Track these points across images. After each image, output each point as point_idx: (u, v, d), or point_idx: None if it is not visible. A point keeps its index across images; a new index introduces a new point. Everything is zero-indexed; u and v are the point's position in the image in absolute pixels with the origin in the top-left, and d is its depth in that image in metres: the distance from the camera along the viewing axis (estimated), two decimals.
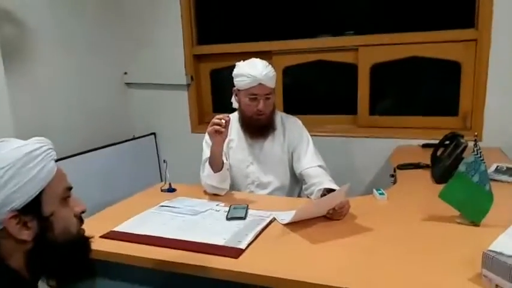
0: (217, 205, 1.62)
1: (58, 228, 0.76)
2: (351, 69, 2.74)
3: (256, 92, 1.73)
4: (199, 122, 3.26)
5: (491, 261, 0.98)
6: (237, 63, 1.80)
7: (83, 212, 0.86)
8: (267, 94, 1.75)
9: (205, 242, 1.28)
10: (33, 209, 0.74)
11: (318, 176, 1.71)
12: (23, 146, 0.75)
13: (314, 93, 3.06)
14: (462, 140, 1.82)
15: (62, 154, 2.43)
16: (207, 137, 1.85)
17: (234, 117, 1.88)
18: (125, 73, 3.26)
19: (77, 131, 2.77)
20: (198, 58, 3.18)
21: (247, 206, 1.55)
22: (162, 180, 1.91)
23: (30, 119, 2.39)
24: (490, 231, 1.24)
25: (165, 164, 1.90)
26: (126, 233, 1.38)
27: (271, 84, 1.76)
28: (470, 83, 2.49)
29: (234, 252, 1.20)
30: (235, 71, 1.77)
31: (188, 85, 3.16)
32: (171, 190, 1.83)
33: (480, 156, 1.33)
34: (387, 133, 2.66)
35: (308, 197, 1.78)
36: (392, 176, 2.20)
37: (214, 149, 1.67)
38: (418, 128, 2.64)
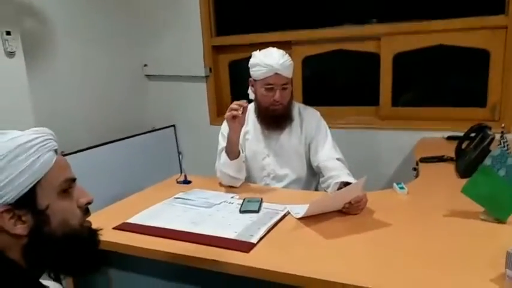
0: (232, 197, 1.60)
1: (55, 221, 0.74)
2: (373, 59, 2.65)
3: (273, 82, 1.69)
4: (218, 114, 3.24)
5: None
6: (253, 53, 1.76)
7: (88, 203, 0.84)
8: (284, 84, 1.71)
9: (216, 235, 1.26)
10: (27, 202, 0.71)
11: (335, 169, 1.66)
12: (18, 137, 0.73)
13: (334, 84, 2.99)
14: (489, 132, 1.73)
15: (83, 145, 2.47)
16: (223, 128, 1.83)
17: (251, 108, 1.85)
18: (145, 65, 3.28)
19: (98, 124, 2.81)
20: (217, 49, 3.15)
21: (261, 199, 1.52)
22: (181, 172, 1.90)
23: (52, 112, 2.43)
24: None
25: (180, 155, 1.89)
26: (139, 224, 1.37)
27: (287, 74, 1.71)
28: (499, 72, 2.37)
29: (246, 246, 1.18)
30: (251, 61, 1.74)
31: (207, 77, 3.15)
32: (186, 182, 1.83)
33: (507, 149, 1.25)
34: (410, 125, 2.57)
35: (325, 191, 1.73)
36: (415, 169, 2.13)
37: (232, 135, 1.64)
38: (443, 120, 2.53)
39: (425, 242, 1.20)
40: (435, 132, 2.45)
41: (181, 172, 1.89)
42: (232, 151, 1.67)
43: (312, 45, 2.83)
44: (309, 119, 1.82)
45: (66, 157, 0.83)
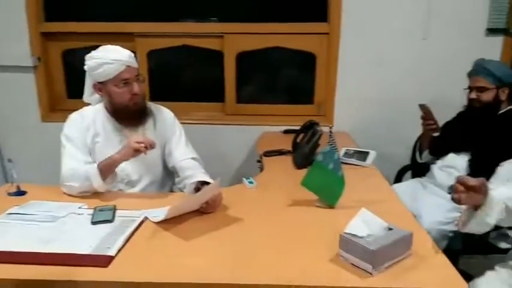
0: (79, 208, 1.47)
1: None
2: (218, 56, 2.76)
3: (127, 76, 1.61)
4: (51, 109, 2.91)
5: (346, 242, 1.12)
6: (89, 56, 1.64)
7: None
8: (137, 75, 1.66)
9: (69, 252, 1.15)
10: None
11: (190, 169, 1.69)
12: None
13: (181, 80, 3.00)
14: (318, 128, 2.01)
15: None
16: (67, 130, 1.67)
17: (95, 111, 1.73)
18: None
19: None
20: (47, 37, 2.80)
21: (115, 206, 1.45)
22: (7, 182, 1.65)
23: None
24: (344, 212, 1.41)
25: (10, 163, 1.64)
26: None
27: (136, 64, 1.67)
28: (323, 74, 2.75)
29: (103, 261, 1.11)
30: (91, 64, 1.61)
31: (35, 67, 2.77)
32: (20, 193, 1.60)
33: (334, 146, 1.48)
34: (253, 120, 2.78)
35: (181, 191, 1.75)
36: (259, 161, 2.32)
37: (120, 160, 1.57)
38: (280, 116, 2.82)
39: (274, 230, 1.34)
40: (275, 126, 2.71)
41: (11, 182, 1.64)
42: (110, 172, 1.59)
43: (156, 39, 2.77)
44: (163, 120, 1.80)
45: None
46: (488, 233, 1.40)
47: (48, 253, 1.15)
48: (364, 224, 1.14)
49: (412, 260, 1.14)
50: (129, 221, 1.36)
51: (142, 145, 1.53)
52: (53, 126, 2.85)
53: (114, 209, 1.43)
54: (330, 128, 1.50)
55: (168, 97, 2.72)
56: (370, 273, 1.07)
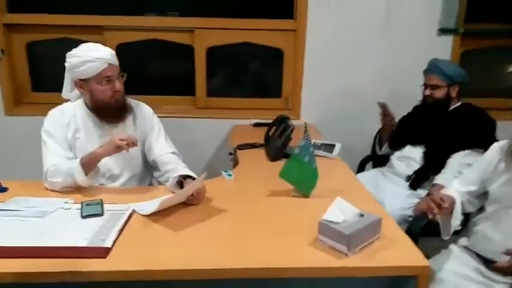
0: (65, 203, 1.51)
1: None
2: (189, 51, 2.81)
3: (110, 74, 1.65)
4: (16, 102, 2.85)
5: (325, 228, 1.25)
6: (71, 53, 1.66)
7: None
8: (119, 73, 1.71)
9: (66, 245, 1.20)
10: None
11: (171, 163, 1.76)
12: None
13: (152, 74, 3.02)
14: (290, 123, 2.14)
15: None
16: (48, 125, 1.69)
17: (75, 107, 1.75)
18: None
19: None
20: (10, 28, 2.72)
21: (102, 200, 1.50)
22: None
23: None
24: (318, 201, 1.57)
25: None
26: None
27: (117, 62, 1.71)
28: (290, 69, 2.88)
29: (101, 252, 1.18)
30: (73, 62, 1.63)
31: None
32: (1, 190, 1.60)
33: (309, 140, 1.61)
34: (224, 114, 2.87)
35: (160, 184, 1.82)
36: (231, 154, 2.42)
37: (103, 155, 1.61)
38: (250, 109, 2.92)
39: (256, 219, 1.46)
40: (244, 120, 2.81)
41: None
42: (92, 167, 1.62)
43: (125, 32, 2.77)
44: (142, 115, 1.84)
45: None
46: None
47: (45, 247, 1.20)
48: (340, 211, 1.27)
49: (381, 242, 1.29)
50: (118, 214, 1.42)
51: (125, 143, 1.58)
52: (17, 120, 2.80)
53: (101, 203, 1.48)
54: (305, 123, 1.63)
55: (138, 91, 2.73)
56: (346, 255, 1.21)
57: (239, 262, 1.19)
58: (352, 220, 1.27)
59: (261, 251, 1.25)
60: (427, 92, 2.18)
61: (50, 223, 1.36)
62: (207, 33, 2.78)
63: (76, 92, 1.74)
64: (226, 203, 1.56)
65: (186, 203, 1.52)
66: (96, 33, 2.71)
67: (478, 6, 2.75)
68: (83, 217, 1.39)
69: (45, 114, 1.75)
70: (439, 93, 2.15)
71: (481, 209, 1.56)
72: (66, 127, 1.71)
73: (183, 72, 2.93)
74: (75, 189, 1.63)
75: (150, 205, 1.44)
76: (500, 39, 2.88)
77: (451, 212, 1.49)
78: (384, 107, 2.36)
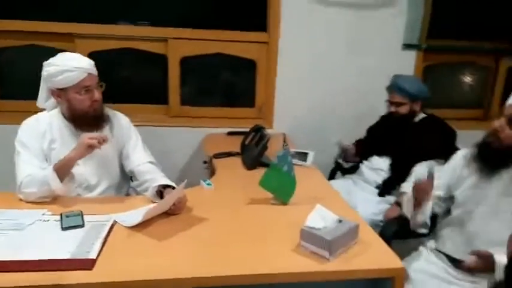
0: (43, 214, 1.48)
1: None
2: (162, 60, 2.81)
3: (89, 84, 1.65)
4: None
5: (307, 234, 1.31)
6: (47, 63, 1.64)
7: None
8: (98, 82, 1.70)
9: (49, 258, 1.19)
10: None
11: (149, 173, 1.76)
12: None
13: (124, 82, 3.00)
14: (265, 133, 2.19)
15: None
16: (22, 135, 1.66)
17: (51, 117, 1.73)
18: None
19: None
20: None
21: (81, 212, 1.48)
22: None
23: None
24: (296, 208, 1.64)
25: None
26: None
27: (96, 72, 1.71)
28: (263, 79, 2.94)
29: (87, 264, 1.17)
30: (51, 71, 1.61)
31: None
32: None
33: (288, 150, 1.67)
34: (197, 122, 2.89)
35: (138, 194, 1.82)
36: (206, 162, 2.44)
37: (75, 158, 1.59)
38: (223, 118, 2.96)
39: (237, 226, 1.49)
40: (218, 128, 2.84)
41: None
42: (67, 172, 1.60)
43: (97, 41, 2.74)
44: (119, 125, 1.84)
45: None
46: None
47: (27, 260, 1.18)
48: (320, 218, 1.33)
49: (358, 246, 1.36)
50: (99, 225, 1.41)
51: (95, 140, 1.57)
52: None
53: (81, 214, 1.46)
54: (284, 134, 1.69)
55: (111, 99, 2.70)
56: (328, 259, 1.26)
57: (223, 270, 1.22)
58: (332, 226, 1.33)
59: (244, 258, 1.28)
60: (392, 109, 2.28)
61: (30, 236, 1.33)
62: (180, 44, 2.80)
63: (52, 101, 1.72)
64: (207, 211, 1.58)
65: (167, 213, 1.53)
66: (67, 41, 2.66)
67: (441, 23, 2.92)
68: (63, 229, 1.37)
69: (13, 123, 1.72)
70: (403, 109, 2.26)
71: (448, 213, 1.68)
72: (41, 137, 1.68)
73: (156, 80, 2.92)
74: (52, 199, 1.60)
75: (133, 216, 1.44)
76: (459, 55, 3.09)
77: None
78: (341, 145, 2.49)
